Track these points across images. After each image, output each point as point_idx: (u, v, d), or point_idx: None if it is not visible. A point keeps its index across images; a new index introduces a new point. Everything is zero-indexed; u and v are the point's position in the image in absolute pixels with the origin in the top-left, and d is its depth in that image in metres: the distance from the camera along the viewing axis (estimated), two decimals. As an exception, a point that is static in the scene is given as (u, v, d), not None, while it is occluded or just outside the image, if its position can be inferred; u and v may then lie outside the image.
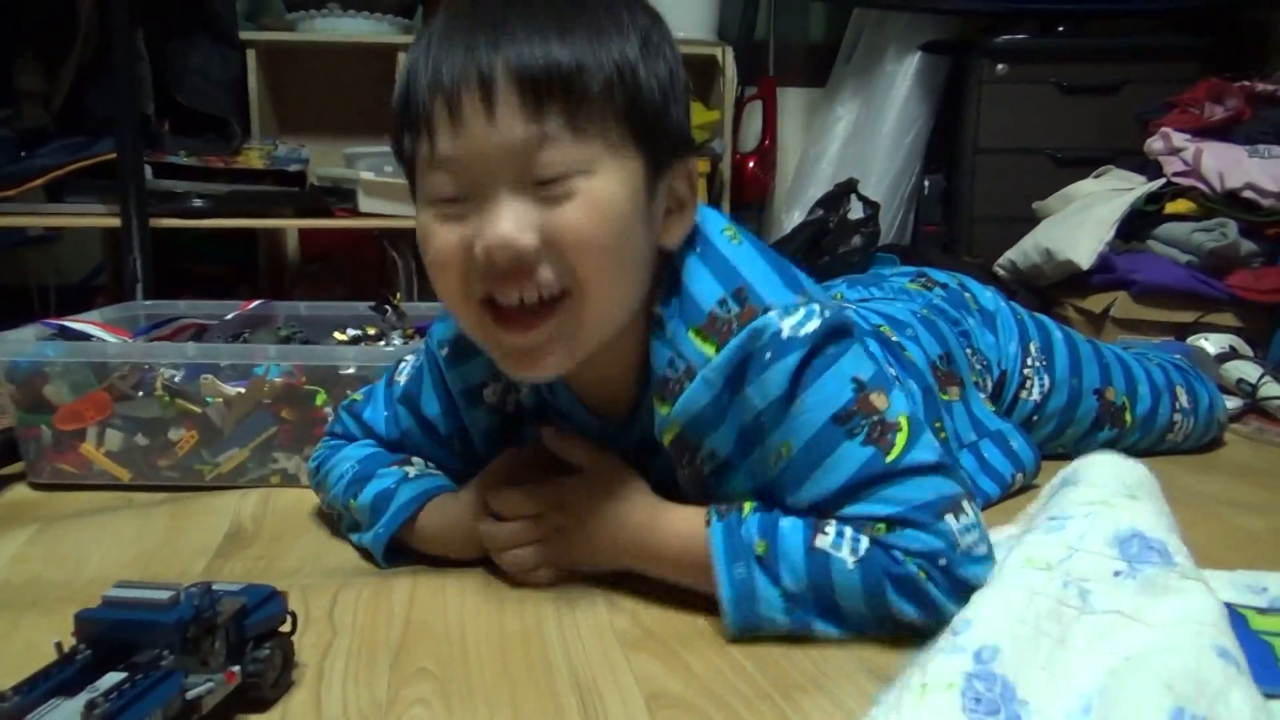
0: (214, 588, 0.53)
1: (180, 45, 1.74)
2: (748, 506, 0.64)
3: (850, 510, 0.60)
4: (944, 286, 1.03)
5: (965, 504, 0.60)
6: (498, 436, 0.77)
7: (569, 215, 0.58)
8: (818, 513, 0.62)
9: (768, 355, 0.61)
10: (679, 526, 0.65)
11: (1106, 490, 0.60)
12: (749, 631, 0.61)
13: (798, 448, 0.61)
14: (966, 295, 1.02)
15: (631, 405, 0.70)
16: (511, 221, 0.57)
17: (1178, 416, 1.07)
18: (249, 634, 0.53)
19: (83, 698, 0.45)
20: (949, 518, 0.59)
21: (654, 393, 0.66)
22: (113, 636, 0.49)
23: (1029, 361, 1.00)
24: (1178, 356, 1.16)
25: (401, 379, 0.80)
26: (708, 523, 0.62)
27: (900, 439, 0.61)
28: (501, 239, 0.57)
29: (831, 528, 0.60)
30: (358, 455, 0.79)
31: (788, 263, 0.67)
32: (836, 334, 0.62)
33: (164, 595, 0.50)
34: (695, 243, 0.66)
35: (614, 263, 0.60)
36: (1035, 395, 1.00)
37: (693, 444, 0.66)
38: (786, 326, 0.61)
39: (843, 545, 0.59)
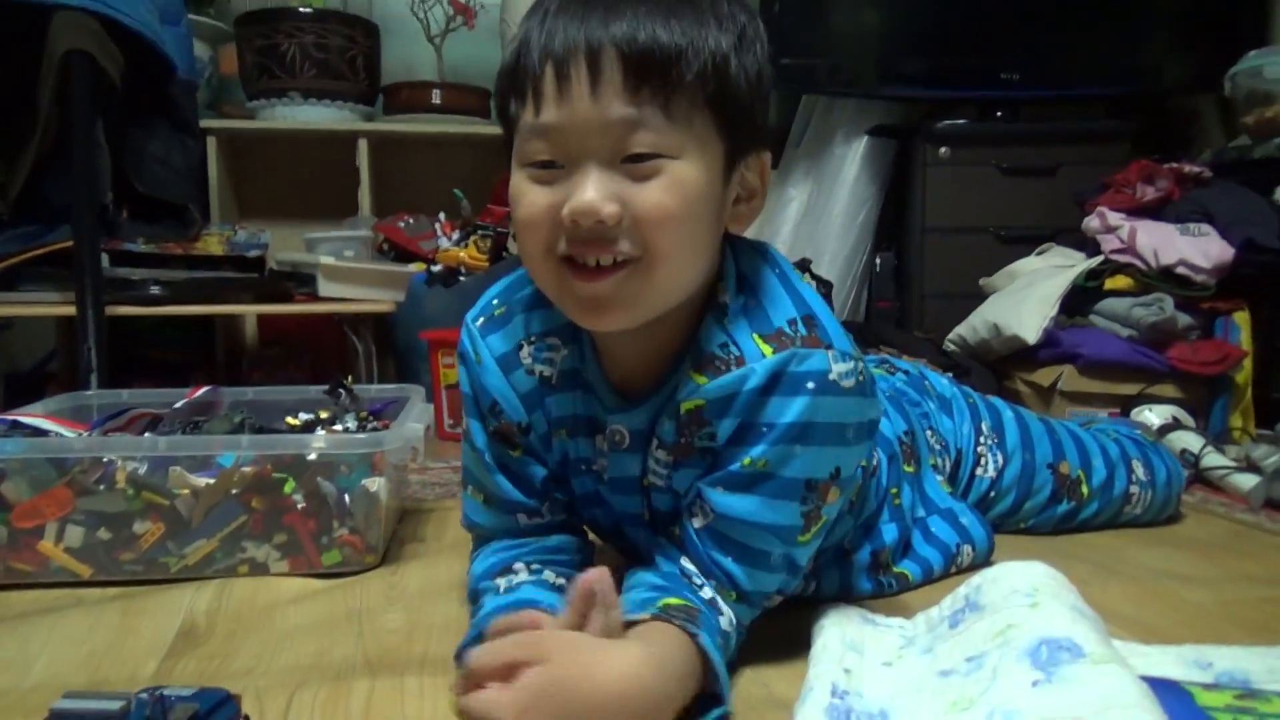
0: (165, 694, 0.52)
1: (140, 133, 1.76)
2: (684, 602, 0.65)
3: (728, 563, 0.69)
4: (905, 373, 1.08)
5: (788, 589, 0.74)
6: (536, 405, 0.76)
7: (651, 193, 0.62)
8: (708, 538, 0.69)
9: (809, 384, 0.66)
10: (677, 665, 0.61)
11: (1008, 612, 0.63)
12: None
13: (775, 471, 0.67)
14: (926, 382, 1.07)
15: (657, 381, 0.72)
16: (599, 191, 0.61)
17: (1134, 489, 1.10)
18: None
19: None
20: (768, 601, 0.72)
21: (691, 365, 0.69)
22: None
23: (982, 440, 1.04)
24: (1138, 431, 1.20)
25: (462, 460, 0.82)
26: (692, 635, 0.62)
27: (813, 530, 0.70)
28: (589, 206, 0.61)
29: (720, 603, 0.68)
30: (476, 571, 0.78)
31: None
32: (862, 409, 0.68)
33: (114, 705, 0.49)
34: (775, 267, 0.72)
35: (686, 240, 0.64)
36: (990, 472, 1.04)
37: (704, 420, 0.69)
38: (835, 371, 0.66)
39: (728, 621, 0.68)
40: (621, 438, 0.74)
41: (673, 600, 0.65)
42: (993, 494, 1.04)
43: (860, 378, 0.68)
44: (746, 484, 0.67)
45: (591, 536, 0.86)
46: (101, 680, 0.72)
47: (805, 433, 0.66)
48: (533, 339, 0.76)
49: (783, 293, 0.70)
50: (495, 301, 0.79)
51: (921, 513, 0.93)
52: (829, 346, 0.67)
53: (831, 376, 0.66)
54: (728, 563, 0.69)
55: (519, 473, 0.78)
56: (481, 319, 0.78)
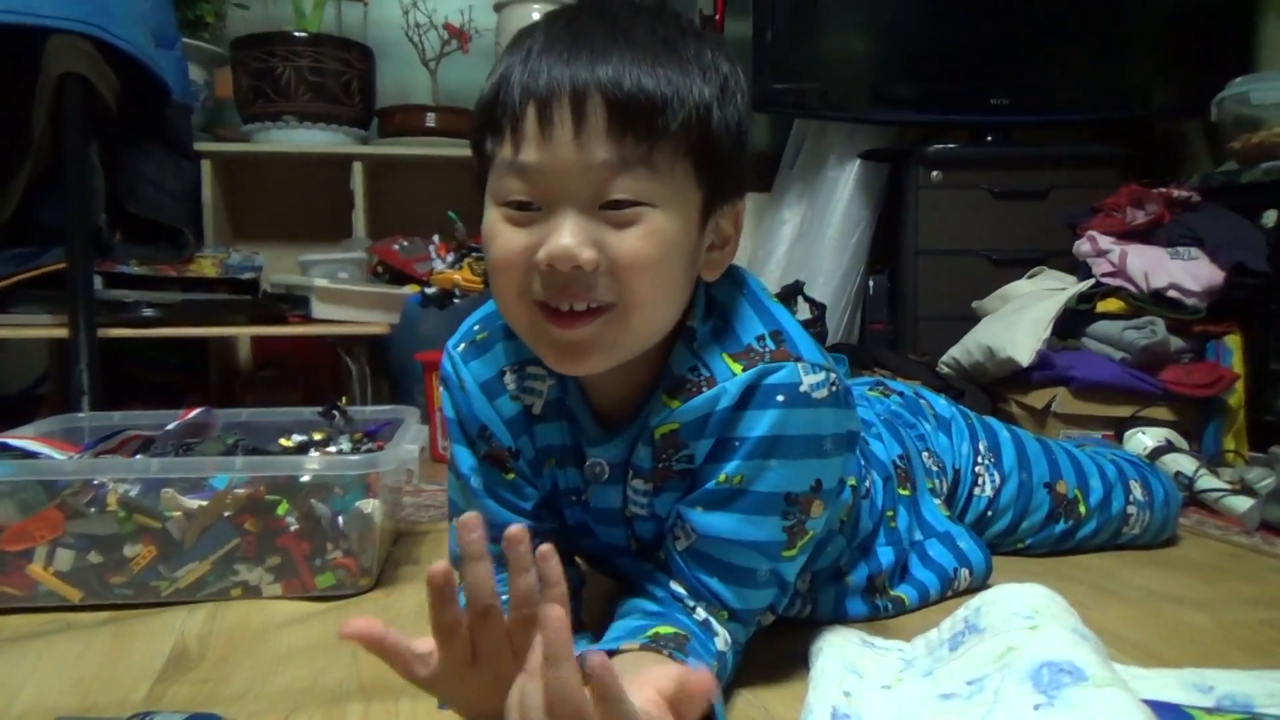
0: (156, 719, 0.51)
1: (134, 156, 1.76)
2: (678, 631, 0.65)
3: (714, 583, 0.69)
4: (900, 394, 1.08)
5: (779, 606, 0.75)
6: (522, 431, 0.76)
7: (629, 241, 0.62)
8: (692, 560, 0.69)
9: (779, 397, 0.66)
10: None
11: (1008, 634, 0.63)
12: None
13: (750, 486, 0.67)
14: (922, 402, 1.08)
15: (634, 411, 0.72)
16: (577, 237, 0.61)
17: (1132, 509, 1.10)
18: None
19: None
20: (761, 617, 0.73)
21: (664, 390, 0.69)
22: None
23: (979, 459, 1.04)
24: (1136, 454, 1.21)
25: (448, 493, 0.81)
26: (682, 663, 0.61)
27: (799, 545, 0.70)
28: (566, 252, 0.60)
29: (714, 624, 0.68)
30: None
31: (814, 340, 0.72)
32: (838, 420, 0.69)
33: None
34: (743, 289, 0.73)
35: (661, 287, 0.64)
36: (988, 491, 1.04)
37: (680, 442, 0.69)
38: (806, 382, 0.66)
39: (723, 641, 0.68)
40: (601, 469, 0.74)
41: (663, 629, 0.65)
42: (990, 513, 1.04)
43: (833, 388, 0.68)
44: (724, 501, 0.67)
45: (584, 566, 0.85)
46: (91, 705, 0.71)
47: (778, 446, 0.66)
48: (515, 367, 0.75)
49: (750, 312, 0.70)
50: (476, 328, 0.78)
51: (919, 536, 0.93)
52: (798, 359, 0.67)
53: (802, 388, 0.66)
54: (713, 583, 0.69)
55: (509, 497, 0.77)
56: (463, 345, 0.78)
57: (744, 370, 0.67)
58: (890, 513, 0.90)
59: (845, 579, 0.86)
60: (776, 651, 0.76)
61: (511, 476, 0.76)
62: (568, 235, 0.60)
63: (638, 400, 0.72)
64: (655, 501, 0.73)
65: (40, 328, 1.61)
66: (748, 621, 0.71)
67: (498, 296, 0.67)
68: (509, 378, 0.75)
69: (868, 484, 0.88)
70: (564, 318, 0.63)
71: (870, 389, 1.10)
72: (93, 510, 0.92)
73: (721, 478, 0.67)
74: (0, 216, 1.60)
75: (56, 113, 1.51)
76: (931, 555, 0.93)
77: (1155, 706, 0.56)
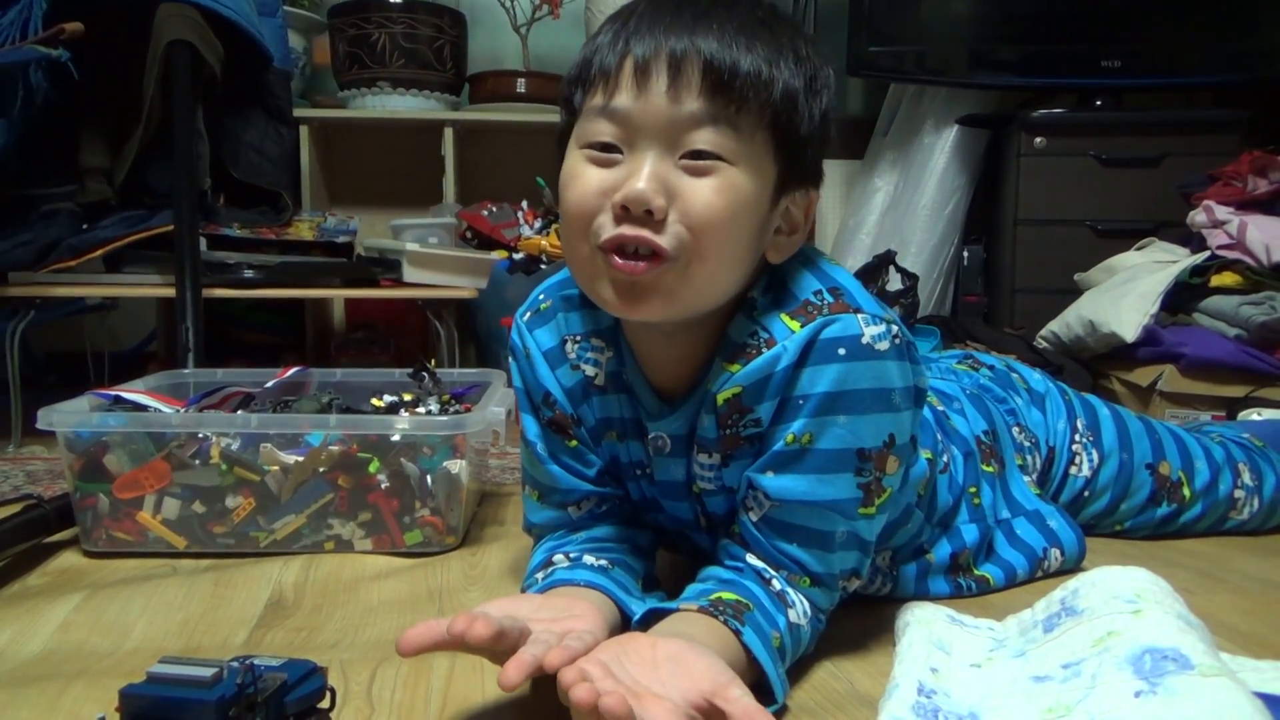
0: (255, 664, 0.53)
1: (237, 123, 1.81)
2: (738, 599, 0.65)
3: (793, 550, 0.68)
4: (991, 368, 1.05)
5: (863, 570, 0.72)
6: (581, 400, 0.77)
7: (703, 190, 0.63)
8: (768, 529, 0.68)
9: (840, 350, 0.65)
10: (709, 640, 0.62)
11: (1108, 618, 0.61)
12: None
13: (818, 444, 0.66)
14: (1014, 376, 1.04)
15: (693, 383, 0.72)
16: (653, 182, 0.62)
17: (1239, 493, 1.04)
18: (288, 711, 0.53)
19: None
20: (846, 582, 0.71)
21: (723, 357, 0.69)
22: (155, 714, 0.50)
23: (1077, 437, 1.00)
24: (1245, 435, 1.14)
25: (521, 463, 0.82)
26: (736, 631, 0.62)
27: (878, 502, 0.68)
28: (640, 195, 0.62)
29: (791, 594, 0.67)
30: (528, 569, 0.78)
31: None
32: (904, 373, 0.67)
33: (207, 673, 0.51)
34: (800, 257, 0.72)
35: (727, 245, 0.64)
36: (1085, 471, 1.00)
37: (744, 407, 0.68)
38: (867, 334, 0.65)
39: (799, 613, 0.67)
40: (663, 443, 0.74)
41: (726, 595, 0.65)
42: (1087, 493, 1.00)
43: (896, 340, 0.67)
44: (793, 461, 0.66)
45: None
46: (195, 647, 0.74)
47: (843, 401, 0.65)
48: (577, 337, 0.76)
49: (806, 272, 0.70)
50: (541, 296, 0.79)
51: (1006, 514, 0.90)
52: (857, 310, 0.66)
53: (864, 340, 0.65)
54: (792, 549, 0.68)
55: (573, 464, 0.78)
56: (529, 313, 0.79)
57: (802, 326, 0.66)
58: (973, 489, 0.87)
59: (927, 556, 0.83)
60: (862, 626, 0.74)
61: (574, 444, 0.77)
62: (645, 179, 0.62)
63: (695, 374, 0.71)
64: (724, 473, 0.72)
65: (150, 287, 1.68)
66: (831, 586, 0.69)
67: (567, 238, 0.68)
68: (570, 347, 0.76)
69: (945, 458, 0.85)
70: (628, 259, 0.64)
71: (959, 362, 1.06)
72: (197, 462, 0.96)
73: (789, 438, 0.66)
74: (114, 180, 1.66)
75: (165, 80, 1.56)
76: (1019, 534, 0.89)
77: (1268, 700, 0.53)
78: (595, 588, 0.69)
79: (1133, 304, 1.65)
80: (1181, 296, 1.68)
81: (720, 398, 0.68)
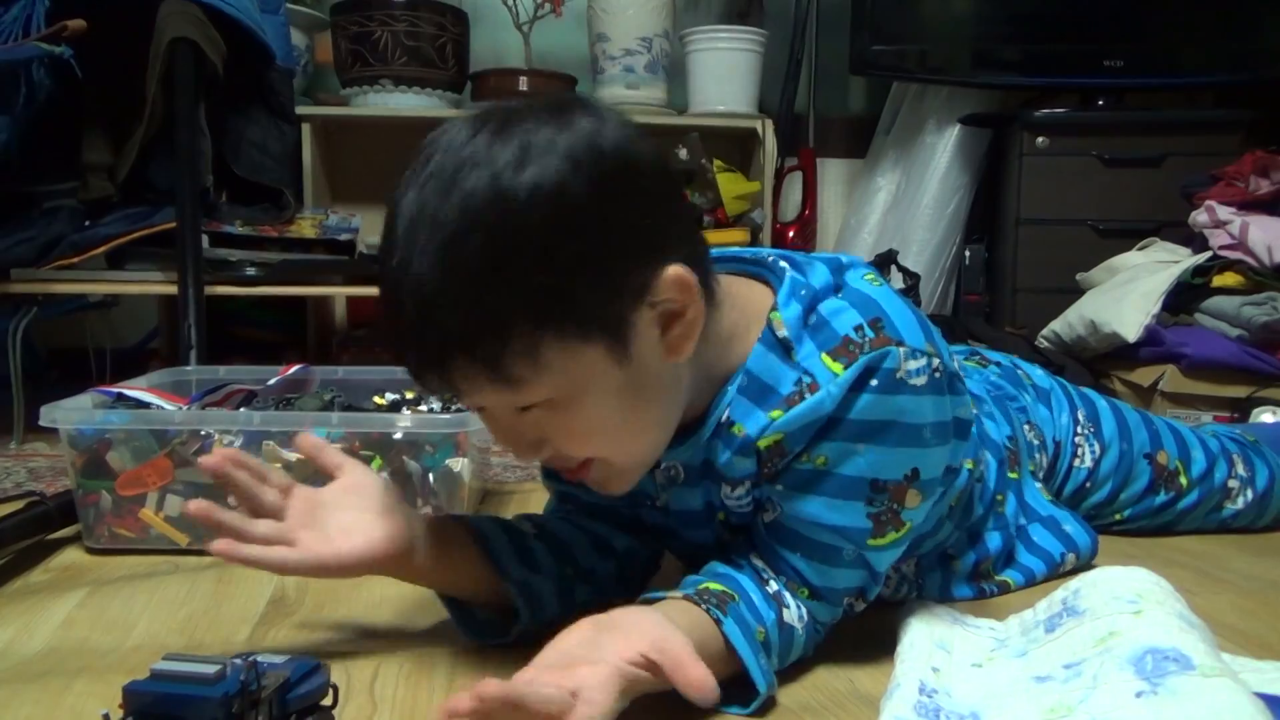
0: (258, 660, 0.53)
1: (239, 120, 1.81)
2: (723, 590, 0.65)
3: (794, 559, 0.67)
4: (998, 364, 1.04)
5: (870, 593, 0.70)
6: None
7: (561, 431, 0.62)
8: (774, 533, 0.68)
9: (873, 382, 0.63)
10: (686, 623, 0.61)
11: (1109, 618, 0.61)
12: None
13: (836, 469, 0.65)
14: (1020, 372, 1.03)
15: (705, 412, 0.69)
16: (519, 444, 0.64)
17: (1233, 482, 1.05)
18: (291, 708, 0.53)
19: None
20: (853, 600, 0.70)
21: (748, 395, 0.66)
22: (159, 710, 0.50)
23: (1079, 430, 1.00)
24: (1238, 431, 1.15)
25: None
26: (717, 621, 0.62)
27: (891, 535, 0.67)
28: (522, 458, 0.66)
29: (787, 597, 0.67)
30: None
31: (924, 316, 0.69)
32: (939, 408, 0.66)
33: (210, 669, 0.50)
34: (837, 286, 0.68)
35: (617, 434, 0.63)
36: (1088, 462, 1.00)
37: (787, 451, 0.65)
38: (903, 368, 0.64)
39: (794, 615, 0.66)
40: (676, 472, 0.72)
41: (714, 585, 0.65)
42: (1089, 484, 1.01)
43: (937, 374, 0.65)
44: (808, 483, 0.65)
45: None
46: (197, 644, 0.74)
47: (869, 430, 0.63)
48: None
49: (845, 305, 0.66)
50: None
51: (1022, 521, 0.90)
52: (899, 343, 0.64)
53: (899, 374, 0.63)
54: (794, 559, 0.67)
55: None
56: None
57: (845, 369, 0.63)
58: (1000, 496, 0.87)
59: (953, 564, 0.83)
60: (863, 626, 0.74)
61: None
62: (519, 446, 0.64)
63: (706, 405, 0.69)
64: (758, 490, 0.70)
65: (152, 284, 1.68)
66: (832, 601, 0.68)
67: None
68: None
69: (981, 466, 0.84)
70: (568, 470, 0.67)
71: (966, 358, 1.06)
72: (199, 460, 0.96)
73: (804, 458, 0.65)
74: (116, 177, 1.66)
75: (167, 77, 1.56)
76: (1036, 540, 0.89)
77: (1269, 701, 0.53)
78: (478, 537, 0.72)
79: (1134, 304, 1.65)
80: (1183, 297, 1.68)
81: (763, 444, 0.66)
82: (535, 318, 0.57)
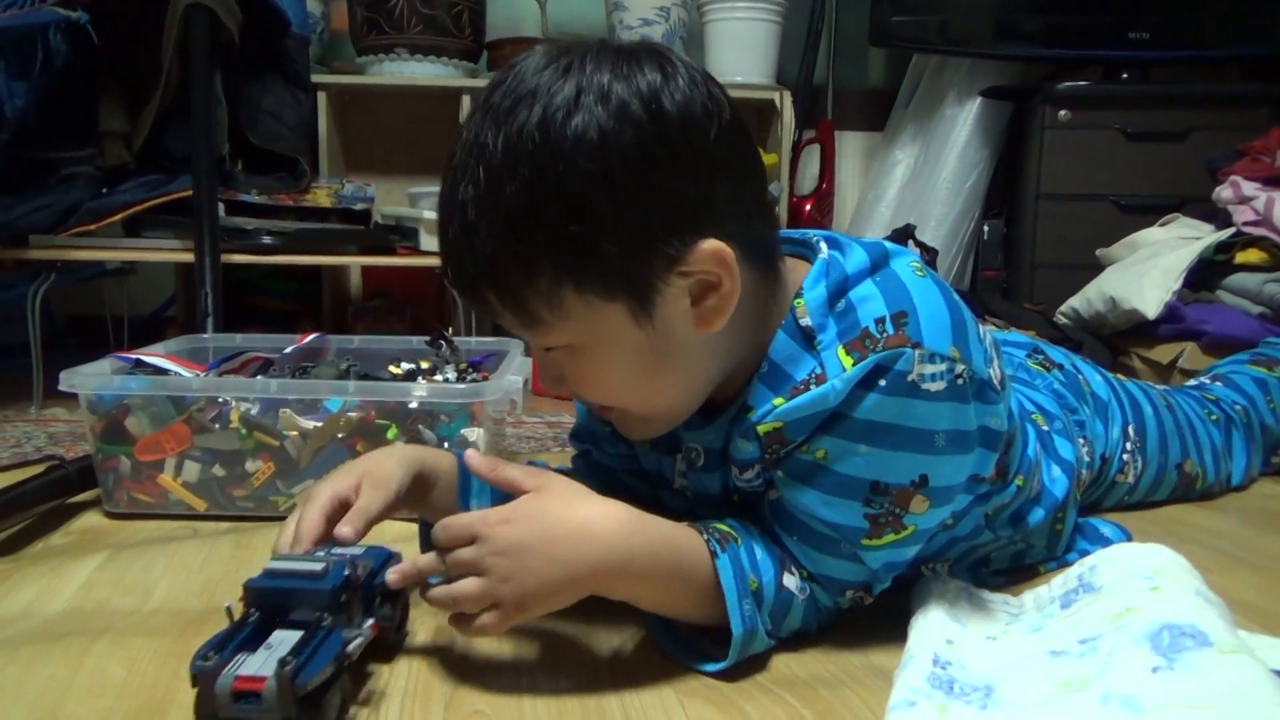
0: (349, 555, 0.61)
1: (255, 88, 1.80)
2: (729, 530, 0.65)
3: (791, 542, 0.66)
4: (1060, 368, 0.99)
5: (873, 589, 0.68)
6: None
7: (579, 376, 0.64)
8: (775, 513, 0.67)
9: (881, 382, 0.61)
10: (677, 538, 0.63)
11: (1126, 594, 0.61)
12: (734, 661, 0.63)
13: (833, 465, 0.63)
14: (1080, 378, 0.99)
15: (734, 395, 0.68)
16: (544, 378, 0.67)
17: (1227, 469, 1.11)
18: (375, 592, 0.63)
19: (268, 654, 0.52)
20: (851, 594, 0.68)
21: (766, 383, 0.65)
22: (275, 601, 0.57)
23: (1128, 445, 0.99)
24: (1240, 398, 1.16)
25: None
26: (713, 554, 0.62)
27: (888, 539, 0.65)
28: (543, 389, 0.68)
29: (793, 567, 0.66)
30: None
31: (971, 318, 0.66)
32: (956, 415, 0.63)
33: (317, 566, 0.59)
34: (877, 271, 0.65)
35: (632, 390, 0.65)
36: (1130, 479, 1.00)
37: (786, 440, 0.64)
38: (916, 371, 0.61)
39: (796, 584, 0.66)
40: (698, 455, 0.72)
41: (723, 526, 0.65)
42: (1126, 497, 1.02)
43: (959, 380, 0.62)
44: (806, 475, 0.64)
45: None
46: (217, 608, 0.74)
47: (872, 431, 0.61)
48: None
49: (876, 292, 0.63)
50: None
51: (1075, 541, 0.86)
52: (916, 345, 0.61)
53: (911, 377, 0.60)
54: (791, 541, 0.67)
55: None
56: None
57: (855, 363, 0.61)
58: (1060, 513, 0.82)
59: (989, 566, 0.80)
60: (877, 600, 0.74)
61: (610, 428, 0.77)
62: (539, 376, 0.67)
63: (737, 389, 0.68)
64: (766, 474, 0.69)
65: (168, 252, 1.68)
66: (829, 589, 0.67)
67: None
68: None
69: (1038, 483, 0.79)
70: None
71: (1029, 356, 1.00)
72: (217, 426, 0.96)
73: (805, 449, 0.64)
74: (133, 145, 1.67)
75: (183, 44, 1.55)
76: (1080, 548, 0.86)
77: (1286, 678, 0.53)
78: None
79: (1155, 280, 1.63)
80: (1205, 273, 1.66)
81: (761, 429, 0.64)
82: (562, 266, 0.58)
